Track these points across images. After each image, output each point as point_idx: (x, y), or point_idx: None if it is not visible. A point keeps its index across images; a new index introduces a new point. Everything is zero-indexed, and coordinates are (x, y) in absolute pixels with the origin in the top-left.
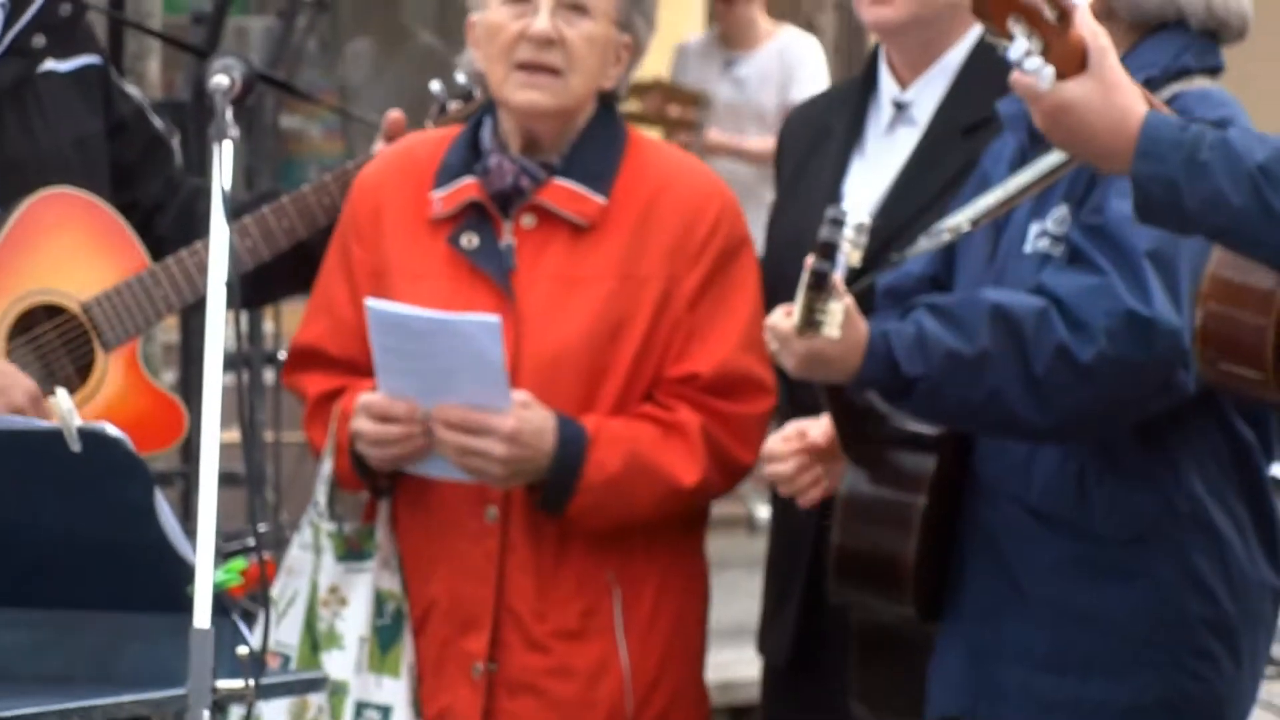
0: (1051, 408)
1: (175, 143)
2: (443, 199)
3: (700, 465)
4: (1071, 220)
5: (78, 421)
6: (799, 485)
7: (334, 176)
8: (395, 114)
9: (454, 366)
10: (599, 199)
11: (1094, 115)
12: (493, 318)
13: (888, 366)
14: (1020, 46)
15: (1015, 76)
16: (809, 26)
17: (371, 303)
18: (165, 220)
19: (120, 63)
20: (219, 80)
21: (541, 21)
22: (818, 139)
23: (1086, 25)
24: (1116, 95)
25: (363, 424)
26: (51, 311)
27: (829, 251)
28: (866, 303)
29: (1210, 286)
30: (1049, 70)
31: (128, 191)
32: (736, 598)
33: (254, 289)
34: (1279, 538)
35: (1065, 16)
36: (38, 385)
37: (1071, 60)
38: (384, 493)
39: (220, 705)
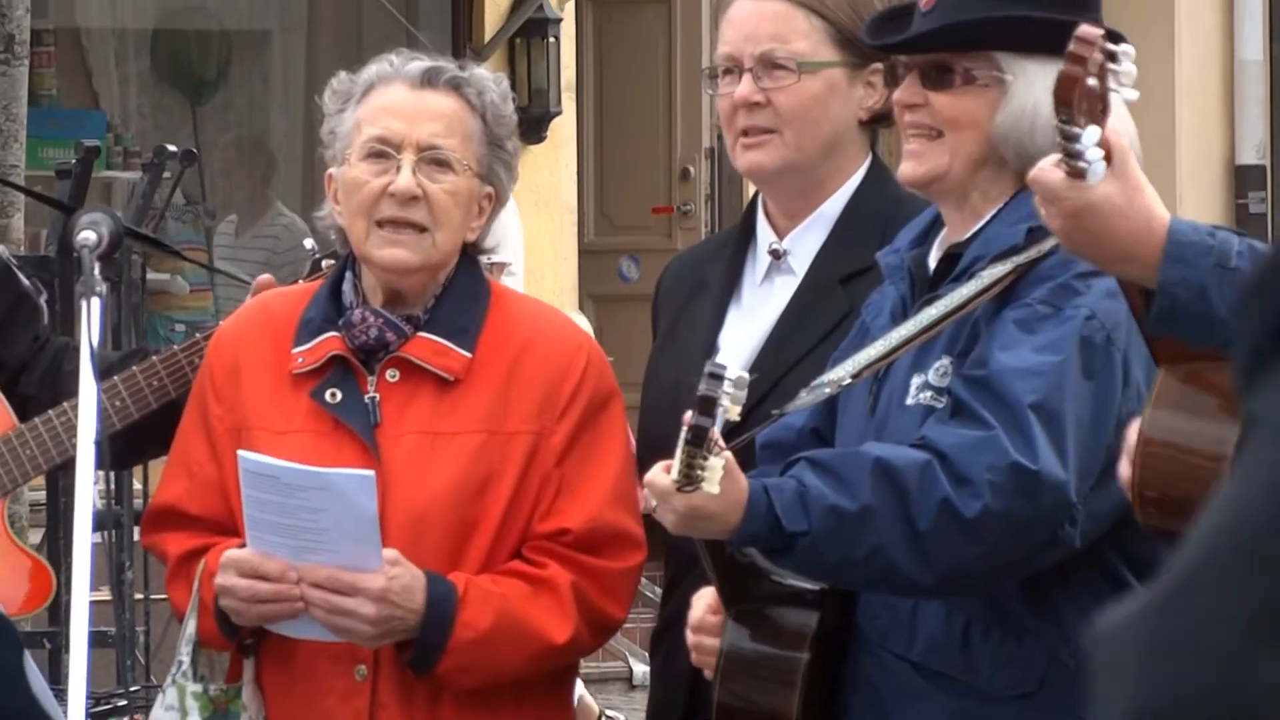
0: (936, 563)
1: (42, 300)
2: (305, 353)
3: (571, 622)
4: (954, 372)
5: None
6: (704, 660)
7: (204, 336)
8: (266, 278)
9: (326, 521)
10: (464, 353)
11: (1118, 217)
12: (368, 472)
13: (769, 523)
14: (1093, 134)
15: (1037, 172)
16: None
17: (244, 455)
18: (32, 379)
19: None
20: (86, 236)
21: (404, 178)
22: (694, 290)
23: (1113, 129)
24: (1141, 197)
25: (231, 580)
26: None
27: (708, 407)
28: (746, 456)
29: (1147, 442)
30: (1102, 165)
31: None
32: None
33: (125, 449)
34: None
35: (1106, 112)
36: None
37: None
38: (250, 651)
39: None
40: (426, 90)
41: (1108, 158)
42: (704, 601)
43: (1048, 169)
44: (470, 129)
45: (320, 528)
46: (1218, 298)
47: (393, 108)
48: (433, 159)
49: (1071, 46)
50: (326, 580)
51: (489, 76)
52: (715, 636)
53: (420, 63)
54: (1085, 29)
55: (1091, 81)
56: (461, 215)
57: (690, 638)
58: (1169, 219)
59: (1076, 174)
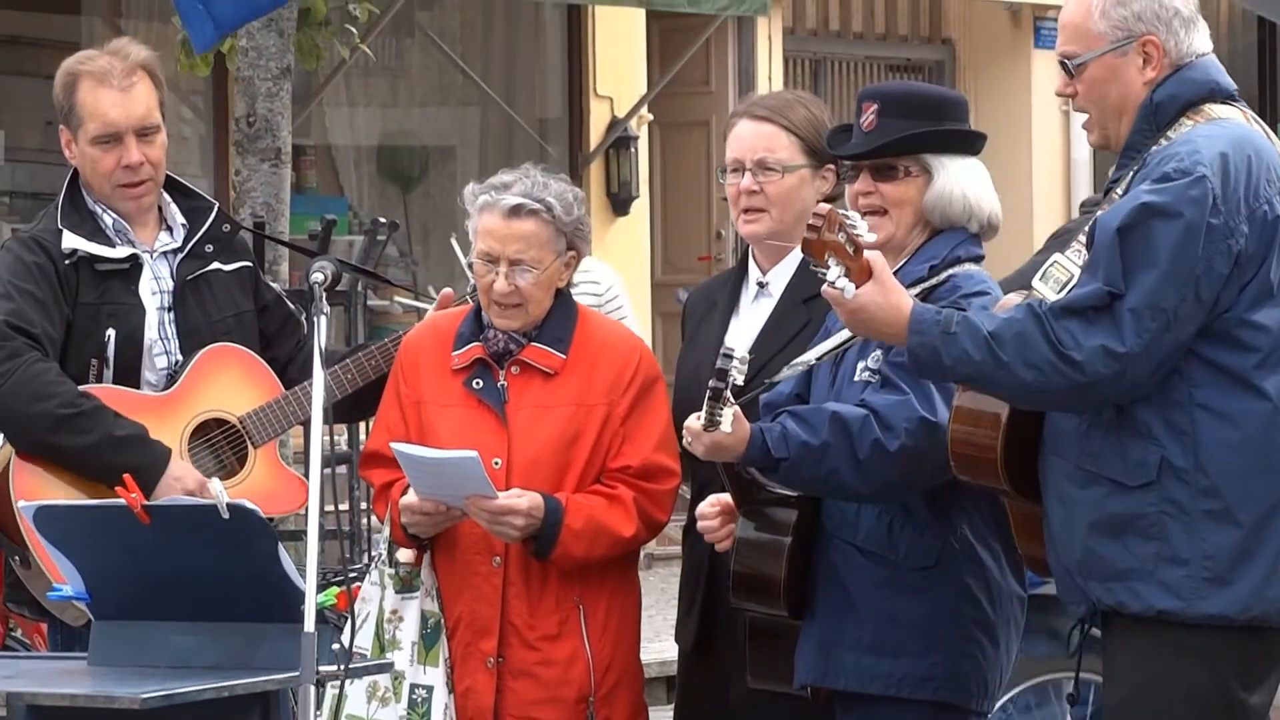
0: (870, 480)
1: (301, 317)
2: (459, 356)
3: (634, 523)
4: (883, 359)
5: (226, 500)
6: (719, 536)
7: (399, 338)
8: (447, 292)
9: (451, 481)
10: (560, 355)
11: (879, 310)
12: (472, 453)
13: (762, 452)
14: (835, 272)
15: (826, 289)
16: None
17: (395, 446)
18: (294, 368)
19: (263, 264)
20: (316, 276)
21: (499, 284)
22: (709, 308)
23: (872, 253)
24: (893, 296)
25: (410, 517)
26: (220, 423)
27: (723, 375)
28: (749, 410)
29: (955, 413)
30: (851, 286)
31: (270, 350)
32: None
33: (353, 408)
34: (1022, 563)
35: (859, 250)
36: (203, 475)
37: (863, 275)
38: (426, 546)
39: (320, 683)
40: (513, 220)
41: (870, 275)
42: (710, 501)
43: (829, 290)
44: (546, 238)
45: (451, 481)
46: (945, 353)
47: (491, 231)
48: (519, 268)
49: (810, 222)
50: (495, 507)
51: (557, 199)
52: (712, 520)
53: (512, 199)
54: (820, 207)
55: (829, 236)
56: (545, 291)
57: (700, 523)
58: (912, 305)
59: (837, 291)
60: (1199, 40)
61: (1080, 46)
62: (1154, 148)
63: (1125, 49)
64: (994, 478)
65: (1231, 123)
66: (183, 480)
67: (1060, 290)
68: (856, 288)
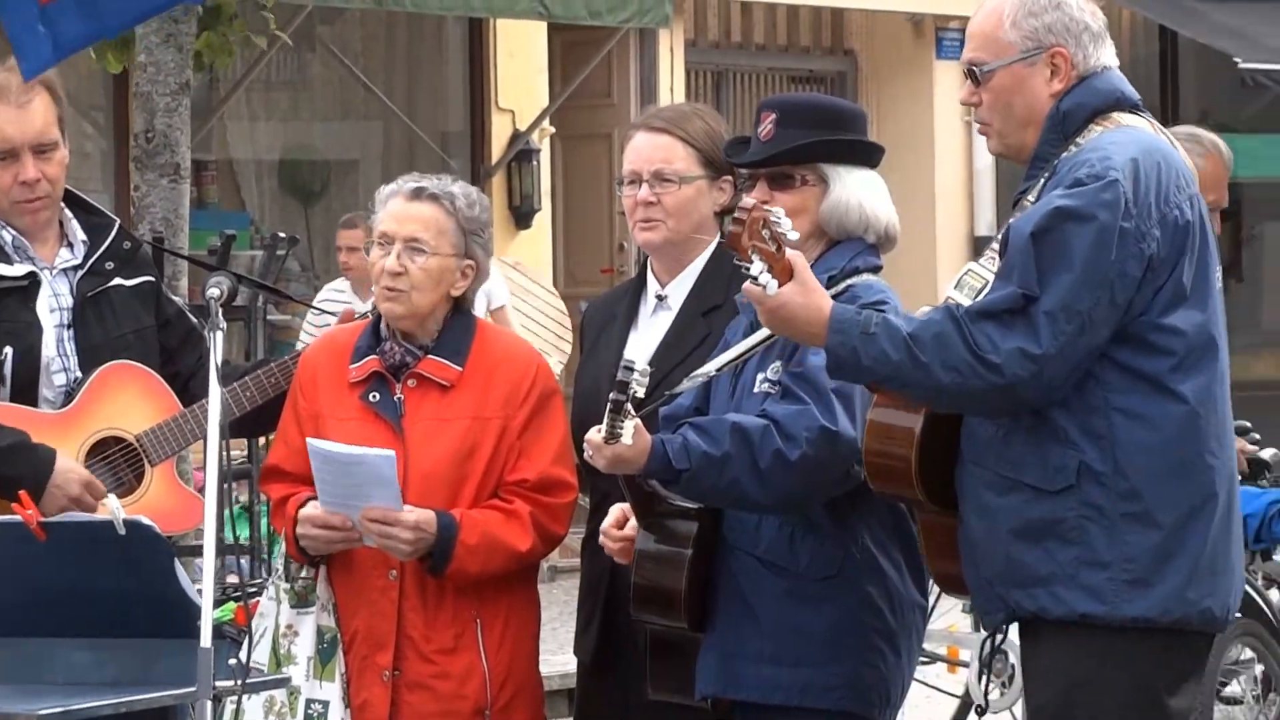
0: (771, 490)
1: (205, 332)
2: (356, 369)
3: (530, 537)
4: (782, 370)
5: (122, 515)
6: (617, 550)
7: (299, 353)
8: (348, 309)
9: (364, 482)
10: (457, 368)
11: (799, 309)
12: (389, 452)
13: (663, 464)
14: (759, 267)
15: (747, 287)
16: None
17: (311, 441)
18: (196, 382)
19: (163, 278)
20: (212, 290)
21: (390, 261)
22: (607, 321)
23: (793, 252)
24: (813, 296)
25: (308, 530)
26: (117, 440)
27: (623, 387)
28: (650, 422)
29: (870, 425)
30: (774, 283)
31: (171, 365)
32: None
33: (254, 423)
34: (923, 572)
35: (780, 248)
36: (90, 475)
37: (784, 274)
38: (320, 562)
39: (217, 698)
40: (413, 202)
41: (791, 274)
42: (613, 514)
43: (750, 287)
44: (444, 226)
45: (360, 485)
46: (864, 353)
47: (391, 214)
48: (412, 247)
49: (735, 215)
50: (381, 516)
51: (461, 191)
52: (617, 542)
53: (414, 183)
54: (745, 201)
55: (754, 232)
56: (435, 283)
57: (603, 539)
58: (832, 306)
59: (758, 287)
60: (1106, 54)
61: (989, 55)
62: (1063, 155)
63: (1034, 59)
64: (909, 488)
65: (1140, 130)
66: (69, 478)
67: (975, 297)
68: (779, 285)
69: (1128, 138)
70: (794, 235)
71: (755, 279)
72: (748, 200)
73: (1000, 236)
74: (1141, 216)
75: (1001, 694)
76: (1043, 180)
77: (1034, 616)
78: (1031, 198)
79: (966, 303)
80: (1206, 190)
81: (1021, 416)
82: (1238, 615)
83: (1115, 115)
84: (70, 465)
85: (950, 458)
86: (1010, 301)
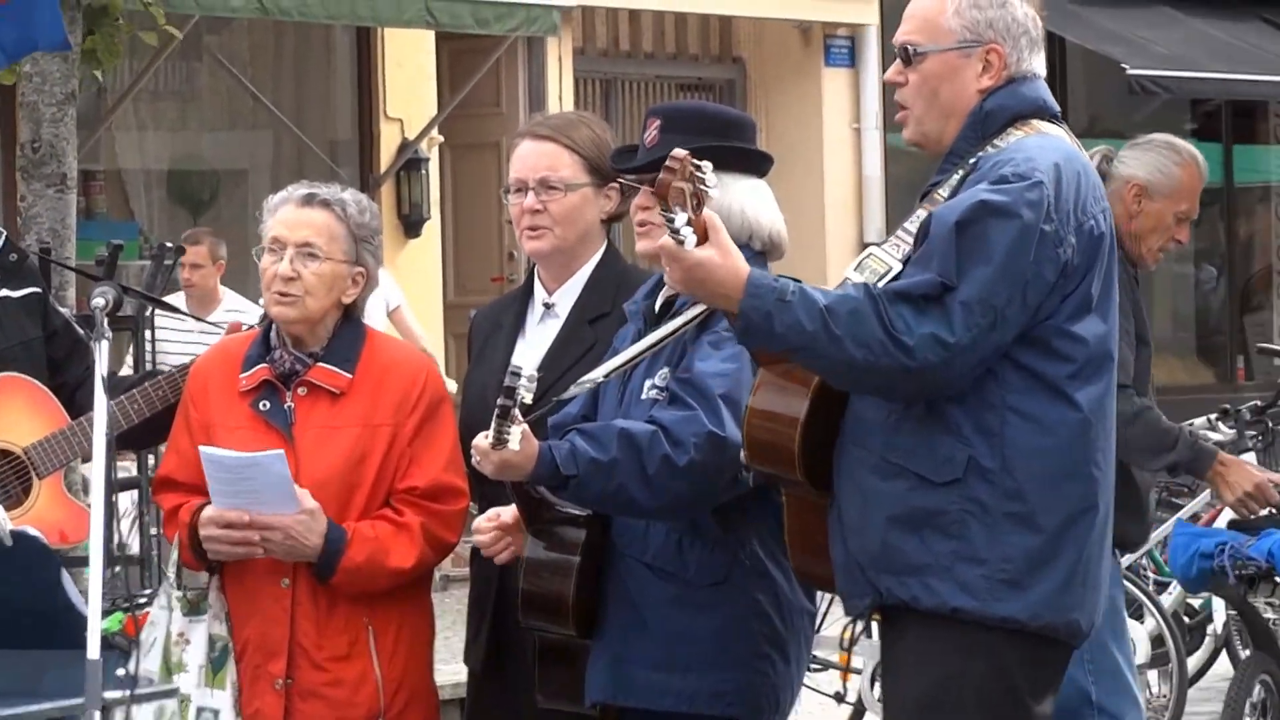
0: (659, 496)
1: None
2: (246, 378)
3: (418, 549)
4: (670, 377)
5: (9, 527)
6: (494, 550)
7: (189, 364)
8: (235, 322)
9: (259, 486)
10: (347, 375)
11: (716, 269)
12: (279, 451)
13: (551, 470)
14: (681, 219)
15: (664, 241)
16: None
17: (202, 449)
18: (83, 393)
19: (49, 289)
20: (98, 301)
21: (283, 265)
22: (494, 328)
23: (710, 213)
24: (730, 258)
25: (211, 531)
26: (4, 454)
27: (511, 393)
28: (538, 428)
29: (751, 415)
30: (694, 237)
31: (59, 376)
32: None
33: (144, 434)
34: None
35: (700, 205)
36: None
37: (701, 234)
38: (214, 569)
39: (106, 709)
40: (305, 208)
41: (707, 234)
42: (487, 516)
43: (667, 243)
44: (336, 232)
45: (255, 489)
46: (778, 320)
47: (282, 220)
48: (305, 253)
49: (666, 163)
50: (250, 521)
51: (352, 198)
52: (485, 535)
53: (305, 190)
54: (676, 151)
55: (680, 184)
56: (327, 288)
57: (476, 537)
58: (749, 270)
59: (678, 242)
60: (1037, 63)
61: (926, 38)
62: (980, 154)
63: (970, 51)
64: (788, 467)
65: (1060, 139)
66: None
67: (876, 282)
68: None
69: (1050, 144)
70: (715, 192)
71: (676, 231)
72: (679, 150)
73: (920, 223)
74: (1061, 221)
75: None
76: (957, 176)
77: (903, 605)
78: (943, 192)
79: None
80: (1180, 200)
81: (915, 404)
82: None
83: (1035, 122)
84: None
85: (831, 440)
86: (928, 287)
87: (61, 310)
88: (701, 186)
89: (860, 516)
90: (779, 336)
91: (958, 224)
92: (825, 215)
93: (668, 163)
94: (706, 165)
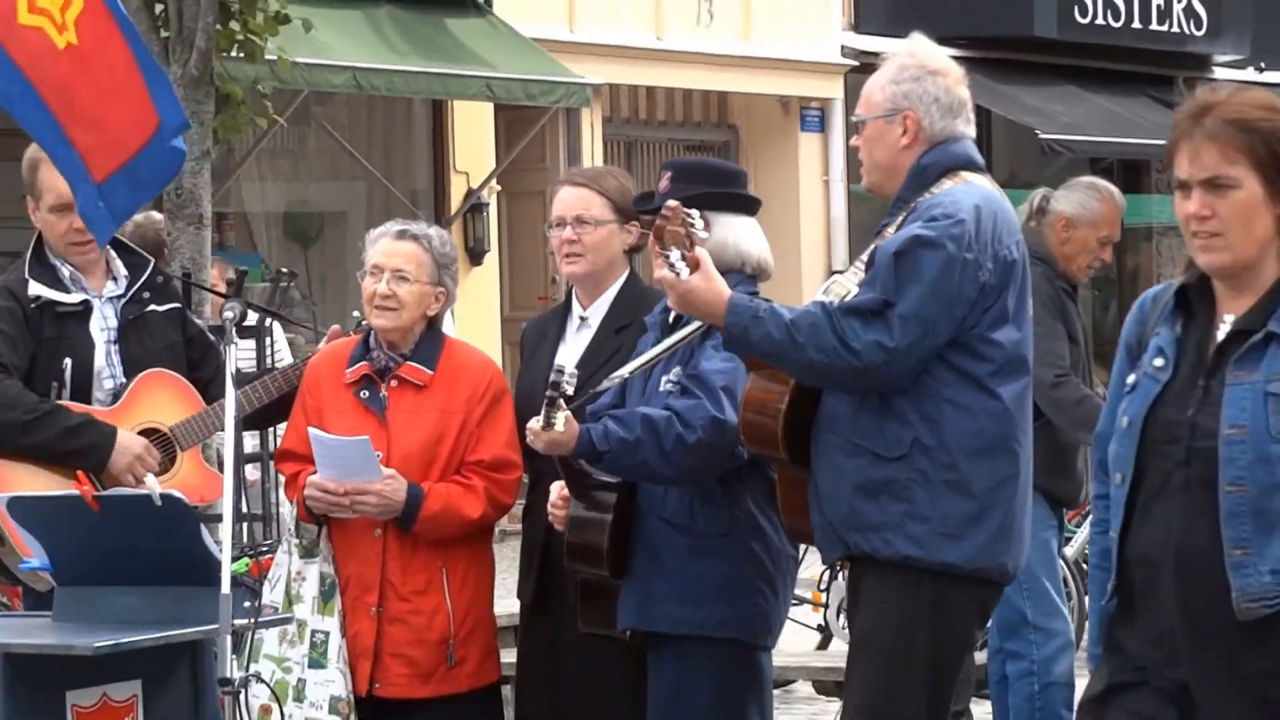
0: (674, 467)
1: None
2: (351, 373)
3: (482, 505)
4: (682, 373)
5: (159, 490)
6: (560, 518)
7: (304, 361)
8: (335, 328)
9: (351, 459)
10: (429, 371)
11: (704, 293)
12: (364, 437)
13: (589, 447)
14: (675, 254)
15: (662, 273)
16: (554, 280)
17: (310, 430)
18: (215, 386)
19: (190, 306)
20: (227, 313)
21: (381, 286)
22: (540, 338)
23: (701, 250)
24: (715, 284)
25: (313, 492)
26: (154, 431)
27: (556, 386)
28: (578, 416)
29: (745, 400)
30: (686, 270)
31: (195, 373)
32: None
33: (265, 418)
34: None
35: (693, 244)
36: (146, 441)
37: (694, 265)
38: (323, 523)
39: (236, 633)
40: (399, 241)
41: (697, 267)
42: (555, 491)
43: (665, 272)
44: (423, 260)
45: (350, 463)
46: (753, 332)
47: (380, 250)
48: (398, 276)
49: (661, 212)
50: (352, 488)
51: (435, 233)
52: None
53: (399, 226)
54: (670, 203)
55: (674, 229)
56: (416, 303)
57: (551, 511)
58: (730, 294)
59: (674, 273)
60: (959, 125)
61: (865, 110)
62: (919, 200)
63: (891, 118)
64: (774, 448)
65: (982, 186)
66: (130, 446)
67: (838, 303)
68: (689, 274)
69: (974, 190)
70: (704, 235)
71: (672, 265)
72: (671, 202)
73: (869, 254)
74: (980, 251)
75: (846, 626)
76: (902, 216)
77: (866, 556)
78: (892, 229)
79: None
80: (1101, 227)
81: (871, 397)
82: None
83: (964, 174)
84: (129, 434)
85: (808, 427)
86: (873, 304)
87: (197, 321)
88: (692, 229)
89: (831, 486)
90: (755, 345)
91: (896, 253)
92: (801, 249)
93: (663, 211)
94: (694, 213)
